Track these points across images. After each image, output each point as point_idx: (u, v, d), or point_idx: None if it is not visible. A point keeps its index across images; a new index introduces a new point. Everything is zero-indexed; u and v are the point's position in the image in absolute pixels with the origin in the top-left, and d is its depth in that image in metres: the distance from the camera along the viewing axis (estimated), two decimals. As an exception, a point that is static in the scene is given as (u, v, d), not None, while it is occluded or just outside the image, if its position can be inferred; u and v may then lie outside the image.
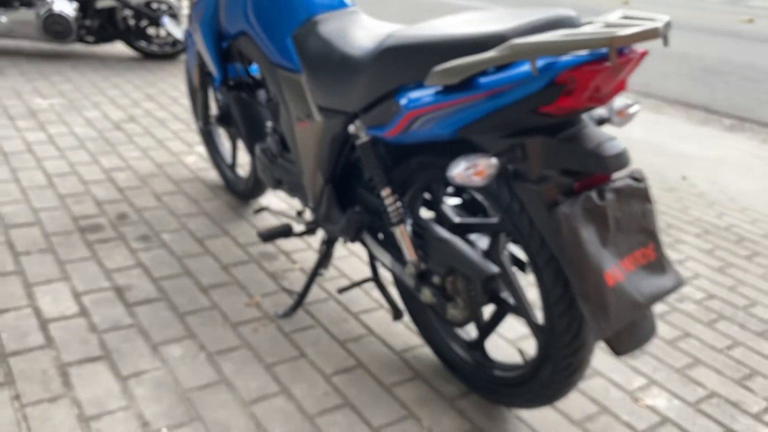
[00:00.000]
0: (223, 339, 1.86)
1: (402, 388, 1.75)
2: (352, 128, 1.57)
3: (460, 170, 1.23)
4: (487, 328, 1.68)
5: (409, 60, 1.37)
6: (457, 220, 1.63)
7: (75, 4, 4.57)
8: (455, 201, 1.73)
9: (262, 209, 2.20)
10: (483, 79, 1.23)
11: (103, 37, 4.76)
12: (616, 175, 1.31)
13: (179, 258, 2.25)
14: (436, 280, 1.59)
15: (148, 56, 4.95)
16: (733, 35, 10.33)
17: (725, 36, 10.16)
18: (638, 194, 1.29)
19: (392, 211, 1.57)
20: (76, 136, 3.27)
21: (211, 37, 2.08)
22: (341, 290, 1.85)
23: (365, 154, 1.57)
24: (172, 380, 1.68)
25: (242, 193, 2.69)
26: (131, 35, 4.80)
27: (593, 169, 1.21)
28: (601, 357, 1.96)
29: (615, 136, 1.26)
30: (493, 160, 1.24)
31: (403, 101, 1.38)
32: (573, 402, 1.76)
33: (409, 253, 1.59)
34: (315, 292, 2.15)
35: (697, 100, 5.86)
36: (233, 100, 2.23)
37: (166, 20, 4.50)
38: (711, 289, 2.45)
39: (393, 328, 2.00)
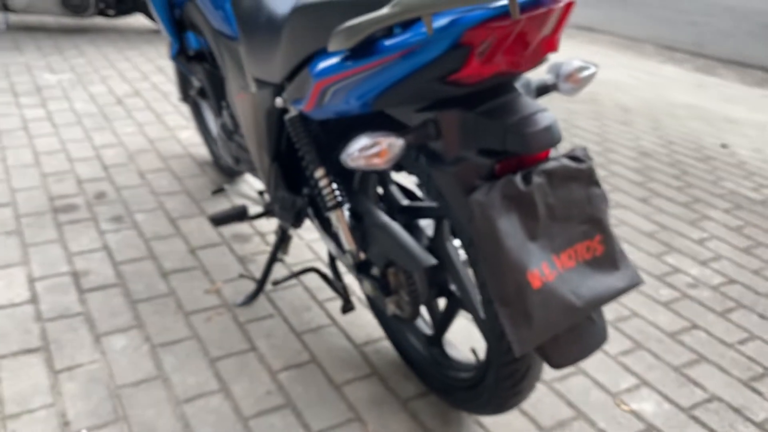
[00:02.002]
0: (172, 329, 1.75)
1: (354, 386, 1.60)
2: (279, 101, 1.40)
3: (353, 151, 1.04)
4: (441, 323, 1.50)
5: (318, 21, 1.18)
6: (405, 203, 1.44)
7: None
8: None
9: (219, 189, 2.06)
10: (387, 42, 1.04)
11: (123, 9, 4.69)
12: (553, 154, 1.10)
13: (147, 240, 2.15)
14: (375, 271, 1.41)
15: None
16: (807, -14, 9.51)
17: (798, -12, 9.36)
18: (580, 177, 1.08)
19: (327, 194, 1.40)
20: (74, 113, 3.20)
21: (160, 3, 1.93)
22: (276, 282, 1.69)
23: (293, 130, 1.39)
24: (107, 375, 1.58)
25: (228, 169, 2.56)
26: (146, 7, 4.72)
27: (512, 148, 1.01)
28: (587, 352, 1.75)
29: (545, 109, 1.05)
30: (398, 140, 1.05)
31: (313, 70, 1.19)
32: (545, 405, 1.57)
33: (346, 240, 1.42)
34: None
35: (756, 59, 5.38)
36: (198, 71, 2.08)
37: None
38: (732, 273, 2.18)
39: (359, 318, 1.84)
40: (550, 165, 1.04)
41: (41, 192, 2.41)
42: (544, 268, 1.02)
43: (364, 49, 1.07)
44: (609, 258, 1.09)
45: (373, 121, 1.32)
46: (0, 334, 1.68)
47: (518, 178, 1.02)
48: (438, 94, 1.04)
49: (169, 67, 4.04)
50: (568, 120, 3.64)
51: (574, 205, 1.06)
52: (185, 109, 3.34)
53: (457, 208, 1.09)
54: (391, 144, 1.04)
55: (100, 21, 5.13)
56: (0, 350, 1.63)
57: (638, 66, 5.18)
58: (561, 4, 0.96)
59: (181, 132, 3.06)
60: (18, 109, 3.19)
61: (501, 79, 1.05)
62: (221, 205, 2.41)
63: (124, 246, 2.11)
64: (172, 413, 1.48)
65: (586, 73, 1.17)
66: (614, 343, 1.80)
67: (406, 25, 1.03)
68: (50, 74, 3.76)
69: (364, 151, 1.04)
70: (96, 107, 3.30)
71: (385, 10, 0.95)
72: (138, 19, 5.18)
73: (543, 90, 1.18)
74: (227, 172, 2.59)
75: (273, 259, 1.83)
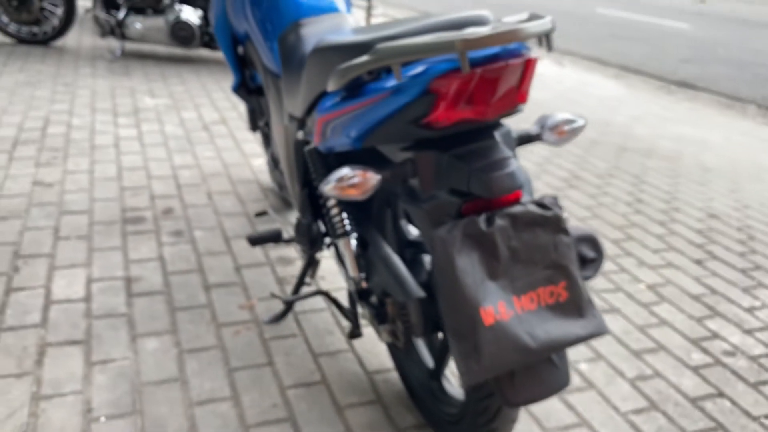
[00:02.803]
0: (201, 338, 1.88)
1: (356, 410, 1.66)
2: (300, 134, 1.52)
3: (332, 180, 1.14)
4: (440, 357, 1.55)
5: (325, 64, 1.30)
6: (411, 237, 1.52)
7: (200, 13, 4.91)
8: None
9: (262, 213, 2.20)
10: (372, 86, 1.14)
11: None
12: (525, 199, 1.15)
13: (199, 255, 2.32)
14: (374, 299, 1.49)
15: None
16: None
17: None
18: (546, 223, 1.11)
19: (336, 222, 1.50)
20: (163, 134, 3.49)
21: (224, 40, 2.12)
22: (286, 302, 1.78)
23: (310, 161, 1.51)
24: (134, 372, 1.72)
25: (287, 197, 2.72)
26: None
27: (475, 191, 1.07)
28: (585, 406, 1.73)
29: (511, 157, 1.10)
30: (375, 175, 1.14)
31: (319, 107, 1.31)
32: (540, 452, 1.57)
33: (351, 268, 1.50)
34: (313, 302, 2.11)
35: None
36: (255, 105, 2.25)
37: None
38: (777, 345, 2.08)
39: (376, 347, 1.91)
40: (515, 209, 1.09)
41: (116, 203, 2.65)
42: (501, 306, 1.06)
43: (355, 90, 1.17)
44: (574, 305, 1.12)
45: (378, 156, 1.41)
46: (52, 325, 1.87)
47: (481, 219, 1.07)
48: (415, 136, 1.12)
49: (257, 98, 4.32)
50: (639, 176, 3.58)
51: (538, 250, 1.10)
52: (262, 138, 3.57)
53: (428, 242, 1.15)
54: (368, 178, 1.13)
55: (204, 52, 5.54)
56: (49, 338, 1.82)
57: (735, 126, 5.01)
58: (519, 60, 1.02)
59: (254, 159, 3.26)
60: (114, 128, 3.52)
61: (475, 125, 1.11)
62: (274, 227, 2.56)
63: (177, 258, 2.29)
64: (183, 413, 1.60)
65: (572, 126, 1.22)
66: (628, 400, 1.77)
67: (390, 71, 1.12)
68: (150, 98, 4.11)
69: (341, 181, 1.13)
70: (183, 131, 3.58)
71: (363, 58, 1.06)
72: (239, 53, 5.54)
73: (526, 139, 1.23)
74: (286, 201, 2.74)
75: (301, 282, 1.93)
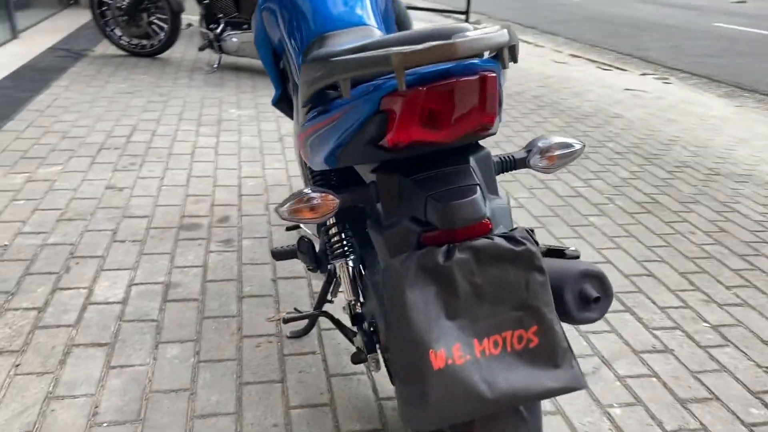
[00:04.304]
0: (222, 349, 1.88)
1: (357, 437, 1.59)
2: (302, 151, 1.47)
3: (287, 202, 1.08)
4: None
5: (306, 77, 1.24)
6: None
7: None
8: None
9: (293, 227, 2.17)
10: (337, 101, 1.07)
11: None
12: (499, 231, 1.03)
13: (242, 264, 2.33)
14: (365, 325, 1.41)
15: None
16: None
17: None
18: (517, 259, 0.99)
19: (334, 243, 1.44)
20: (238, 144, 3.58)
21: (264, 53, 2.12)
22: (286, 321, 1.72)
23: (311, 179, 1.46)
24: (147, 379, 1.74)
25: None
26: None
27: (430, 219, 0.98)
28: (624, 458, 1.56)
29: (475, 184, 0.99)
30: (334, 198, 1.07)
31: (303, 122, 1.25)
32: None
33: (345, 290, 1.44)
34: (342, 320, 2.05)
35: None
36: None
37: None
38: None
39: (394, 371, 1.82)
40: (479, 242, 0.99)
41: (177, 210, 2.72)
42: (455, 350, 0.95)
43: (325, 106, 1.11)
44: (546, 353, 0.99)
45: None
46: (84, 326, 1.93)
47: (440, 251, 0.97)
48: (379, 157, 1.05)
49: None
50: (728, 203, 3.25)
51: (506, 289, 0.99)
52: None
53: (381, 273, 1.07)
54: (326, 202, 1.06)
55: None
56: (78, 339, 1.87)
57: None
58: (472, 78, 0.92)
59: (319, 171, 3.27)
60: (194, 137, 3.64)
61: (441, 147, 1.02)
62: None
63: (220, 266, 2.31)
64: (183, 425, 1.59)
65: (564, 150, 1.09)
66: (665, 455, 1.58)
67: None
68: (235, 109, 4.23)
69: (299, 203, 1.07)
70: (258, 142, 3.65)
71: (318, 73, 0.99)
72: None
73: (509, 165, 1.12)
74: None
75: (322, 299, 1.88)
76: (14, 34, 5.75)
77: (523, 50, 7.34)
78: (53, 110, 3.91)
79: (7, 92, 4.21)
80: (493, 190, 1.08)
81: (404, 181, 1.03)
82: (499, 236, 1.00)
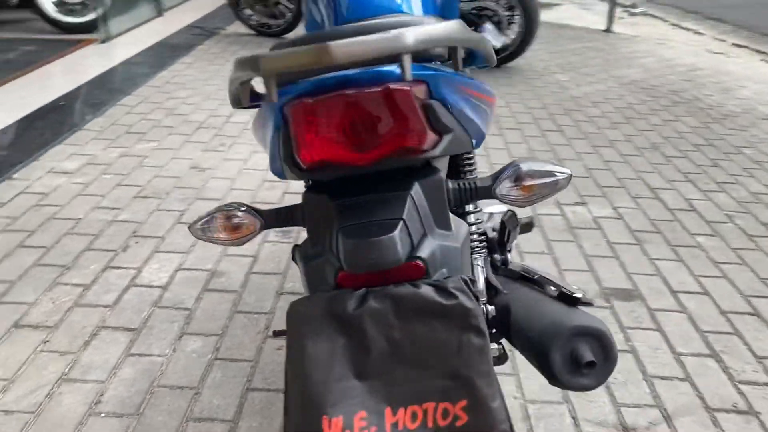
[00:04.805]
0: (243, 348, 1.80)
1: (348, 468, 1.44)
2: None
3: (199, 221, 0.94)
4: None
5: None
6: None
7: None
8: None
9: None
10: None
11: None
12: (437, 277, 0.83)
13: (290, 259, 2.25)
14: None
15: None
16: None
17: None
18: (448, 316, 0.79)
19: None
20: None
21: None
22: (276, 333, 1.59)
23: None
24: (159, 371, 1.70)
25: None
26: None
27: (335, 256, 0.81)
28: None
29: (397, 219, 0.80)
30: (255, 220, 0.93)
31: None
32: None
33: None
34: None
35: None
36: None
37: (487, 27, 4.48)
38: None
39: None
40: (401, 290, 0.79)
41: (249, 195, 2.70)
42: (358, 419, 0.77)
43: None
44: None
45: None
46: (119, 308, 1.94)
47: (353, 297, 0.80)
48: (302, 176, 0.89)
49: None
50: None
51: (433, 351, 0.79)
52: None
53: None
54: (249, 222, 0.92)
55: None
56: (109, 321, 1.88)
57: None
58: (369, 90, 0.73)
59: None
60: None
61: (367, 170, 0.84)
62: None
63: (269, 258, 2.24)
64: (176, 427, 1.53)
65: (543, 180, 0.87)
66: None
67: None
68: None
69: (210, 222, 0.94)
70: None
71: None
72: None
73: (468, 194, 0.91)
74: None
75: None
76: (159, 11, 6.08)
77: (677, 38, 6.65)
78: (169, 86, 4.06)
79: (135, 68, 4.44)
80: (442, 224, 0.88)
81: (330, 204, 0.86)
82: (428, 284, 0.80)
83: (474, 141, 0.99)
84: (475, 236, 1.36)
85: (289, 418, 0.82)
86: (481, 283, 1.33)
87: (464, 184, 0.92)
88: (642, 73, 4.90)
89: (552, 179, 0.90)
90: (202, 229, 0.95)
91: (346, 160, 0.82)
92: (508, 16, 4.68)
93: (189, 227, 0.97)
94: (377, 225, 0.80)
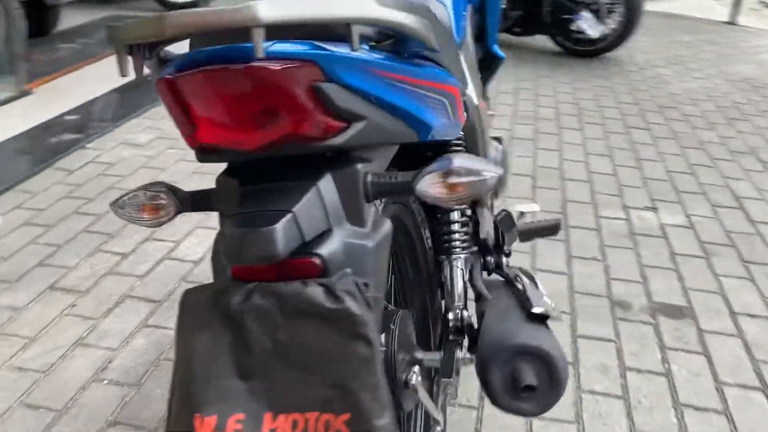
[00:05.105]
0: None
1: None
2: None
3: (126, 196, 0.91)
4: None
5: None
6: None
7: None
8: None
9: None
10: None
11: (529, 29, 4.74)
12: (337, 276, 0.76)
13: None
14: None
15: (572, 53, 4.71)
16: None
17: None
18: (336, 320, 0.71)
19: None
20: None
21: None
22: None
23: None
24: (170, 344, 1.73)
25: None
26: (552, 29, 4.64)
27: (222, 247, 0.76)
28: None
29: (286, 211, 0.73)
30: (173, 202, 0.89)
31: None
32: None
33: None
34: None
35: None
36: None
37: (583, 15, 4.24)
38: None
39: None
40: (288, 287, 0.73)
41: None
42: (233, 421, 0.72)
43: None
44: (358, 450, 0.71)
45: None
46: (149, 279, 1.99)
47: (239, 291, 0.74)
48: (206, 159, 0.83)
49: (568, 94, 3.96)
50: None
51: (318, 357, 0.72)
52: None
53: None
54: (169, 204, 0.89)
55: (506, 37, 5.23)
56: (136, 291, 1.93)
57: None
58: (233, 67, 0.66)
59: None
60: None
61: (258, 155, 0.78)
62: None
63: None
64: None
65: (470, 178, 0.77)
66: None
67: None
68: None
69: (132, 199, 0.91)
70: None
71: None
72: (539, 40, 5.04)
73: (386, 189, 0.82)
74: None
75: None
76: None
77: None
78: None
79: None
80: (355, 219, 0.80)
81: (236, 189, 0.81)
82: (319, 284, 0.73)
83: (419, 132, 0.90)
84: (456, 236, 1.26)
85: (168, 408, 0.78)
86: (459, 287, 1.24)
87: (385, 178, 0.84)
88: (757, 69, 4.47)
89: (478, 178, 0.80)
90: (122, 207, 0.93)
91: (234, 144, 0.76)
92: (608, 4, 4.39)
93: (110, 204, 0.95)
94: (262, 216, 0.73)
